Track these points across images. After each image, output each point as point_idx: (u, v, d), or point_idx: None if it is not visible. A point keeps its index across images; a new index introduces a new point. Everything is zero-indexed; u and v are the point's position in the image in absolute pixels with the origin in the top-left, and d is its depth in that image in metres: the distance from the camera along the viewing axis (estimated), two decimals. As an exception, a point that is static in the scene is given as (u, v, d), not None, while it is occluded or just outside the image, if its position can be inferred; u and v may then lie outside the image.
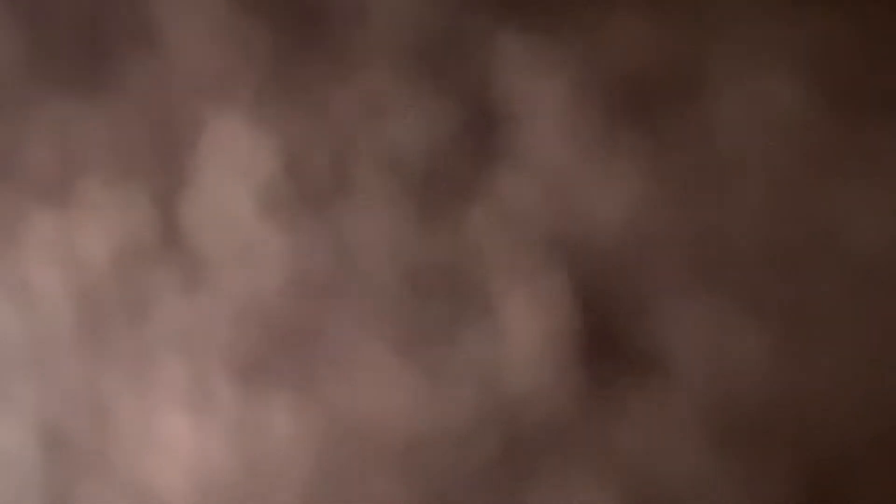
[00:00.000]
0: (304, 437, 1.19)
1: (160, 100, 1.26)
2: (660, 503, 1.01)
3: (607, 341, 1.03)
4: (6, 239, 1.39)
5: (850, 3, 0.91)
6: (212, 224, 1.24)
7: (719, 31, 0.97)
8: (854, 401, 0.93)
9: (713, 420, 0.98)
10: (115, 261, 1.31)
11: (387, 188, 1.13)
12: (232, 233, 1.23)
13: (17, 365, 1.39)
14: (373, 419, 1.15)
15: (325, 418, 1.18)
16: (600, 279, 1.03)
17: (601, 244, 1.03)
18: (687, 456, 0.99)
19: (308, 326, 1.18)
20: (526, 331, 1.07)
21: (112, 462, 1.32)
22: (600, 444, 1.03)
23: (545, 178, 1.05)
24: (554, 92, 1.04)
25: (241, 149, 1.22)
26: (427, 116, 1.10)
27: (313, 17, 1.16)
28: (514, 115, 1.06)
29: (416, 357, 1.12)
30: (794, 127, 0.94)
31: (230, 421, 1.24)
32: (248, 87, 1.21)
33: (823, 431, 0.94)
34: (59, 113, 1.34)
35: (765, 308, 0.96)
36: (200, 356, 1.25)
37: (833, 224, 0.93)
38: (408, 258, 1.12)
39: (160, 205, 1.27)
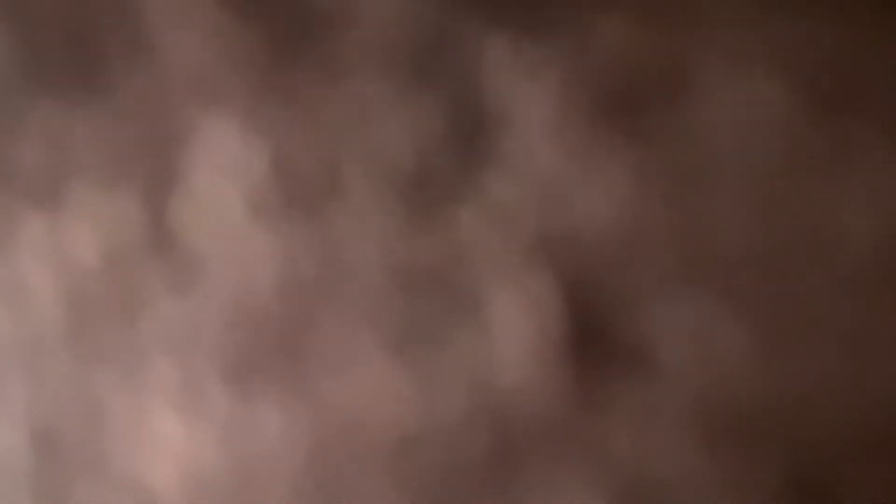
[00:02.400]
0: (295, 436, 1.19)
1: (151, 103, 1.25)
2: (649, 500, 1.01)
3: (596, 340, 1.02)
4: (-2, 241, 1.38)
5: (835, 7, 0.91)
6: (202, 226, 1.23)
7: (705, 33, 0.97)
8: (841, 398, 0.93)
9: (701, 417, 0.98)
10: (106, 262, 1.30)
11: (376, 190, 1.13)
12: (222, 235, 1.22)
13: (8, 366, 1.38)
14: (363, 418, 1.15)
15: (315, 417, 1.17)
16: (588, 278, 1.03)
17: (589, 244, 1.02)
18: (675, 453, 0.99)
19: (298, 327, 1.18)
20: (515, 330, 1.06)
21: (103, 462, 1.31)
22: (589, 442, 1.03)
23: (533, 180, 1.05)
24: (542, 94, 1.04)
25: (231, 151, 1.21)
26: (416, 119, 1.10)
27: (304, 21, 1.16)
28: (503, 117, 1.06)
29: (406, 357, 1.12)
30: (779, 128, 0.94)
31: (221, 420, 1.23)
32: (239, 91, 1.20)
33: (811, 428, 0.94)
34: (51, 115, 1.33)
35: (752, 306, 0.96)
36: (191, 356, 1.25)
37: (818, 222, 0.93)
38: (397, 259, 1.12)
39: (151, 207, 1.26)
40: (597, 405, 1.02)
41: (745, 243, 0.96)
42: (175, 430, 1.26)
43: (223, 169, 1.21)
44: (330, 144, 1.15)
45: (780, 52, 0.93)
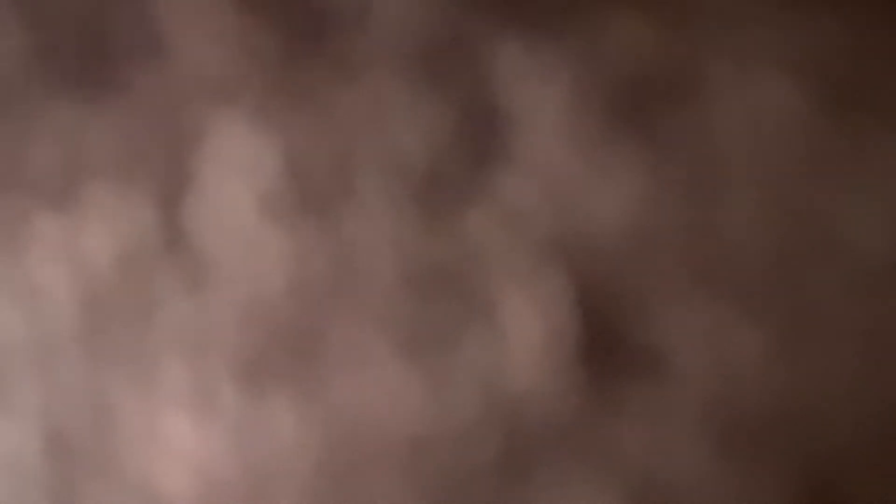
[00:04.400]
0: (307, 438, 1.19)
1: (165, 103, 1.25)
2: (661, 503, 1.01)
3: (607, 342, 1.02)
4: (10, 241, 1.38)
5: (846, 7, 0.91)
6: (216, 227, 1.24)
7: (717, 34, 0.97)
8: (852, 401, 0.92)
9: (714, 420, 0.98)
10: (119, 263, 1.30)
11: (389, 191, 1.13)
12: (235, 235, 1.22)
13: (21, 367, 1.38)
14: (375, 420, 1.15)
15: (327, 420, 1.17)
16: (600, 280, 1.03)
17: (601, 246, 1.02)
18: (687, 456, 0.99)
19: (311, 328, 1.18)
20: (527, 332, 1.06)
21: (116, 464, 1.31)
22: (601, 445, 1.03)
23: (545, 181, 1.05)
24: (554, 95, 1.04)
25: (244, 152, 1.21)
26: (428, 119, 1.10)
27: (317, 21, 1.16)
28: (515, 117, 1.06)
29: (418, 359, 1.12)
30: (792, 129, 0.94)
31: (234, 423, 1.23)
32: (252, 91, 1.20)
33: (822, 431, 0.94)
34: (64, 115, 1.33)
35: (764, 309, 0.96)
36: (204, 358, 1.25)
37: (830, 225, 0.93)
38: (409, 260, 1.12)
39: (164, 207, 1.26)
40: (609, 408, 1.02)
41: (757, 245, 0.96)
42: (187, 432, 1.26)
43: (236, 169, 1.22)
44: (342, 145, 1.15)
45: (794, 53, 0.93)
